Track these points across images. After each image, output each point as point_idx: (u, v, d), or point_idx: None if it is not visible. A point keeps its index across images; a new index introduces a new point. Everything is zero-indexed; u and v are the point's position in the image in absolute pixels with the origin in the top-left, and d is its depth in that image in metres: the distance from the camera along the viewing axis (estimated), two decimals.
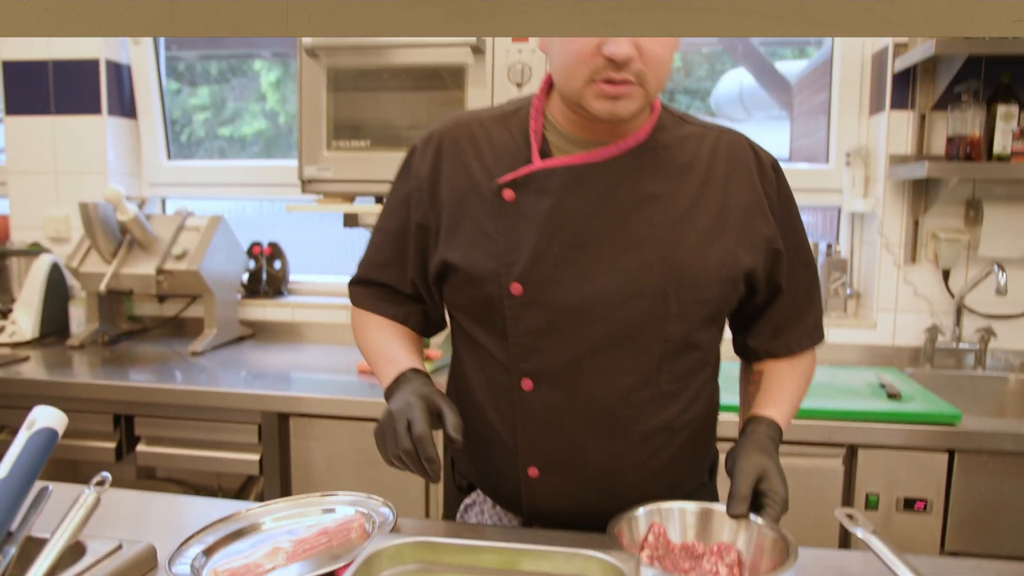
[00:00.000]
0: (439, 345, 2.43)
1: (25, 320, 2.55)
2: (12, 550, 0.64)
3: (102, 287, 2.40)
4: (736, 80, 4.08)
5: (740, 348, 1.23)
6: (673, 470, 1.12)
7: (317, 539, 0.99)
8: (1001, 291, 1.99)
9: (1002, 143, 2.05)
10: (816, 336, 1.20)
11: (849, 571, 1.03)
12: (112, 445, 2.09)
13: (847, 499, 1.77)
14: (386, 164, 2.06)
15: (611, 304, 1.03)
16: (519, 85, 1.93)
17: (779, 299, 1.15)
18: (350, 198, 2.17)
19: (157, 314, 2.84)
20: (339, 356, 2.46)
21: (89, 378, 2.13)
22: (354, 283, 1.26)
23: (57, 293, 2.64)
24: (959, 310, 2.26)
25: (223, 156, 3.09)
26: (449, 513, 1.28)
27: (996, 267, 2.02)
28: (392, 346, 1.16)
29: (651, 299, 1.03)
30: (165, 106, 2.91)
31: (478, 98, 1.96)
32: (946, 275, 2.29)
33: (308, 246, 2.97)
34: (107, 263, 2.45)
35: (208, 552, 0.98)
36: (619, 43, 0.92)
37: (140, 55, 2.82)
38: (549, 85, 1.10)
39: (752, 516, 0.98)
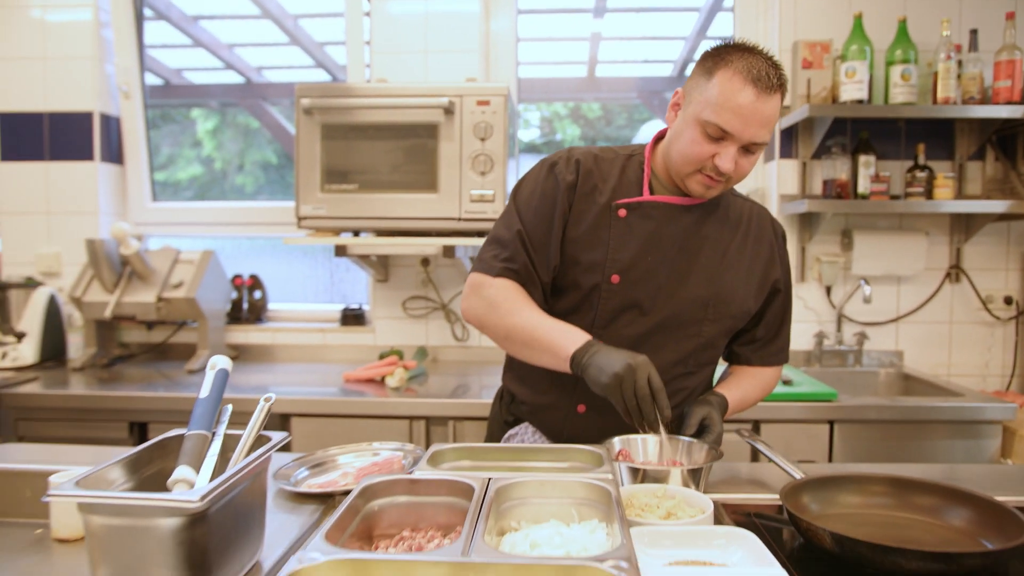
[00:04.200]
0: (413, 356, 2.79)
1: (26, 346, 2.78)
2: (217, 441, 0.98)
3: (107, 313, 2.68)
4: (655, 129, 4.62)
5: (728, 353, 1.65)
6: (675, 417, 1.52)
7: (371, 468, 1.36)
8: (868, 300, 2.50)
9: (864, 185, 2.60)
10: (782, 357, 1.63)
11: (756, 475, 1.47)
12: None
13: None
14: (371, 204, 2.44)
15: (671, 301, 1.44)
16: (483, 140, 2.35)
17: (762, 323, 1.58)
18: (336, 232, 2.54)
19: (144, 340, 3.11)
20: (320, 372, 2.79)
21: (104, 391, 2.40)
22: (495, 273, 1.45)
23: (54, 322, 2.88)
24: (839, 319, 2.79)
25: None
26: (492, 440, 1.65)
27: (862, 281, 2.54)
28: (555, 321, 1.40)
29: (698, 304, 1.46)
30: (151, 153, 3.22)
31: (448, 151, 2.38)
32: (828, 291, 2.81)
33: (280, 279, 3.30)
34: (109, 293, 2.72)
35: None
36: (727, 161, 1.32)
37: (130, 108, 3.14)
38: (655, 142, 1.52)
39: (692, 439, 1.39)
